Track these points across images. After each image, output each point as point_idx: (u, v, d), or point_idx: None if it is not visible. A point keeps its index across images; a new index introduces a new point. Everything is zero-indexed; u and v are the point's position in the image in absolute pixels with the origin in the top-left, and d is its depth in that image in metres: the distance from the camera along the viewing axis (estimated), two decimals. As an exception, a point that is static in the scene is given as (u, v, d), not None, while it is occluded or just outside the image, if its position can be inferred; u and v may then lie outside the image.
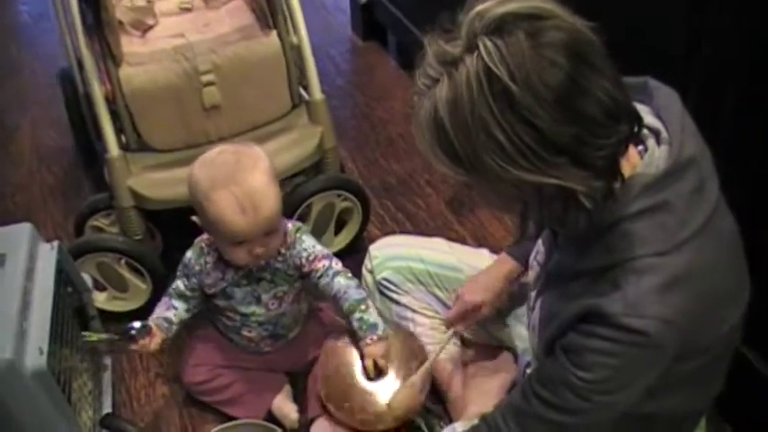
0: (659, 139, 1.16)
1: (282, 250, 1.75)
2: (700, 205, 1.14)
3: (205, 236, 1.78)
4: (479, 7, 1.03)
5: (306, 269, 1.78)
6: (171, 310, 1.80)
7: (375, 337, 1.76)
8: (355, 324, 1.78)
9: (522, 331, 1.76)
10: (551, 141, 1.00)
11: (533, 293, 1.40)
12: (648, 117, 1.18)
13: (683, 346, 1.13)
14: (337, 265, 1.80)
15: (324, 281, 1.78)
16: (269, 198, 1.63)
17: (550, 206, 1.09)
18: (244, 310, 1.81)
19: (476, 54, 1.00)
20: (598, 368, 1.14)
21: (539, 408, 1.24)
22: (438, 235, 2.03)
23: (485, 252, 1.90)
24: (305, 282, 1.84)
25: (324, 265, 1.78)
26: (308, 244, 1.78)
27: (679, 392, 1.25)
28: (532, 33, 0.99)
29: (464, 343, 1.89)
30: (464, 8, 1.05)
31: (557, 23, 1.01)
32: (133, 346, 1.73)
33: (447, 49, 1.04)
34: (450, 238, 1.99)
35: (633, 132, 1.09)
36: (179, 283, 1.81)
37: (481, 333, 1.86)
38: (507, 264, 1.68)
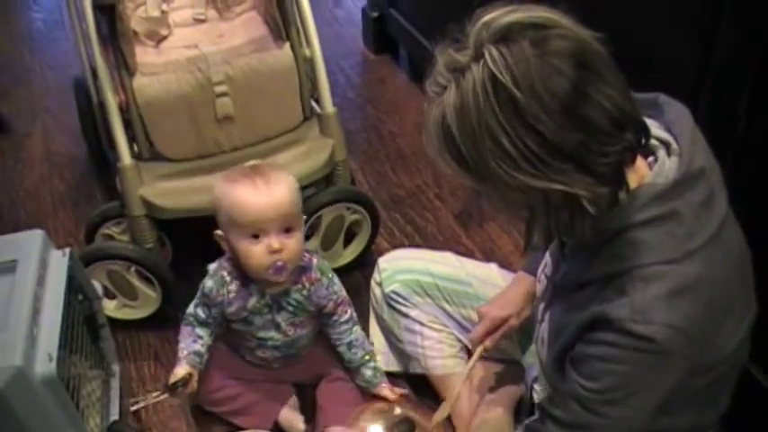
0: (669, 151, 1.17)
1: (307, 284, 1.75)
2: (709, 217, 1.14)
3: (224, 262, 1.77)
4: (486, 17, 1.06)
5: (328, 310, 1.80)
6: (198, 342, 1.79)
7: (384, 383, 1.88)
8: (369, 372, 1.88)
9: (529, 346, 1.76)
10: (556, 148, 1.01)
11: (541, 306, 1.40)
12: (659, 131, 1.19)
13: (693, 358, 1.13)
14: (354, 313, 1.87)
15: (344, 327, 1.85)
16: (284, 185, 1.65)
17: (557, 213, 1.10)
18: (262, 335, 1.81)
19: (482, 62, 1.02)
20: (604, 376, 1.15)
21: (551, 428, 1.24)
22: (446, 248, 2.04)
23: (493, 266, 1.91)
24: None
25: (347, 312, 1.84)
26: (338, 287, 1.82)
27: (688, 409, 1.24)
28: (537, 42, 1.01)
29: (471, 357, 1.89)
30: (472, 19, 1.07)
31: (562, 33, 1.03)
32: (182, 397, 1.77)
33: (456, 58, 1.06)
34: (458, 252, 2.00)
35: (640, 142, 1.10)
36: (199, 312, 1.80)
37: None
38: (525, 281, 1.68)
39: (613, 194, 1.09)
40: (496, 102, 1.01)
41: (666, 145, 1.18)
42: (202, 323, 1.80)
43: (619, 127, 1.04)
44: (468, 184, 1.12)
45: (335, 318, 1.83)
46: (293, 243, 1.66)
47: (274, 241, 1.63)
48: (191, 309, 1.82)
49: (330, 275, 1.80)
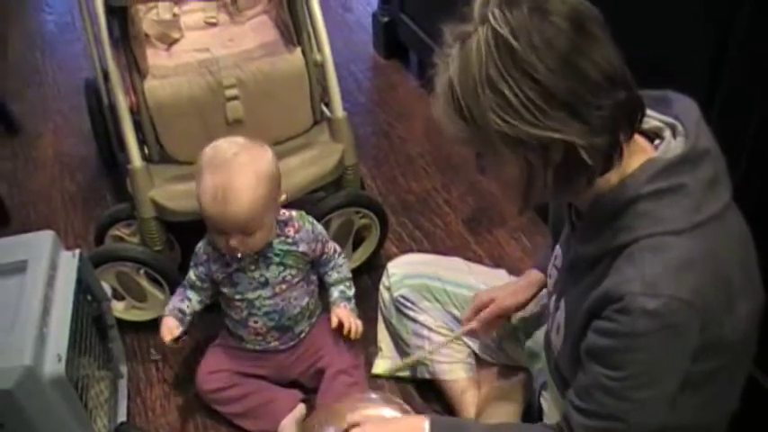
0: (675, 133, 1.22)
1: (291, 232, 1.81)
2: (714, 196, 1.17)
3: None
4: None
5: (318, 252, 1.86)
6: (185, 302, 1.86)
7: (347, 306, 1.89)
8: (336, 293, 1.91)
9: (537, 352, 1.76)
10: (551, 94, 1.07)
11: (554, 297, 1.42)
12: (665, 117, 1.24)
13: (703, 334, 1.14)
14: (337, 246, 1.94)
15: (331, 265, 1.91)
16: (243, 199, 1.64)
17: (557, 172, 1.13)
18: (250, 295, 1.83)
19: (486, 23, 1.09)
20: (626, 365, 1.16)
21: (580, 420, 1.24)
22: (455, 254, 2.04)
23: (502, 272, 1.91)
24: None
25: (333, 248, 1.91)
26: (321, 228, 1.88)
27: (690, 401, 1.24)
28: (537, 5, 1.08)
29: (479, 363, 1.89)
30: None
31: None
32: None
33: (462, 28, 1.13)
34: (467, 258, 2.00)
35: (633, 110, 1.14)
36: (191, 274, 1.87)
37: (496, 353, 1.86)
38: (531, 273, 1.70)
39: (608, 146, 1.12)
40: (497, 53, 1.07)
41: (672, 128, 1.23)
42: (192, 285, 1.87)
43: (611, 82, 1.09)
44: (470, 144, 1.18)
45: (326, 256, 1.89)
46: (253, 241, 1.72)
47: (233, 241, 1.70)
48: (188, 274, 1.89)
49: (310, 220, 1.87)
